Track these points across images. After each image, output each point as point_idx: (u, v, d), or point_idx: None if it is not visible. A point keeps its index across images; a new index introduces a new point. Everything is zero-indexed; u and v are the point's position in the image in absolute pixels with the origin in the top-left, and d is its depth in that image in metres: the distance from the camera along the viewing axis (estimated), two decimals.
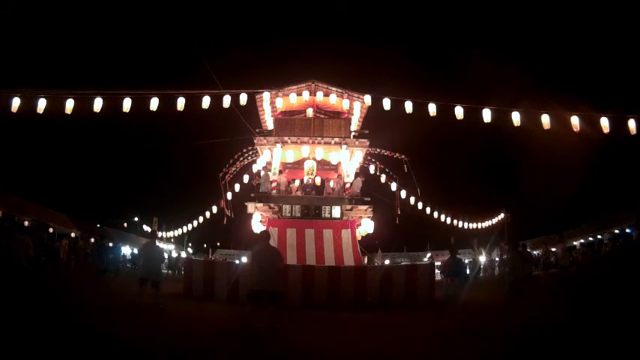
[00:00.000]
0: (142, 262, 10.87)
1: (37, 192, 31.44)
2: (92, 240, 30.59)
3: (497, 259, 29.36)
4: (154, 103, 12.81)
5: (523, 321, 8.49)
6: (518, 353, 6.53)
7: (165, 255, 27.40)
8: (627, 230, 23.99)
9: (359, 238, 17.54)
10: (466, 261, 34.34)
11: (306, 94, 17.12)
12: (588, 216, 31.61)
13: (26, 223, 25.03)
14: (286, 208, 16.89)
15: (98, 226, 38.04)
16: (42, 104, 11.80)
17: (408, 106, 13.59)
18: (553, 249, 28.08)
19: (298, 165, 18.58)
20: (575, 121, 12.21)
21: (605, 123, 12.06)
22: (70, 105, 12.07)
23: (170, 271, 29.80)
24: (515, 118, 12.85)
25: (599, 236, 28.84)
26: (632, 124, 11.76)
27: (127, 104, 12.55)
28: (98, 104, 12.14)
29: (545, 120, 12.56)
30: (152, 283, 10.15)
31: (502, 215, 32.08)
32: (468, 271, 17.93)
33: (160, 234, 40.55)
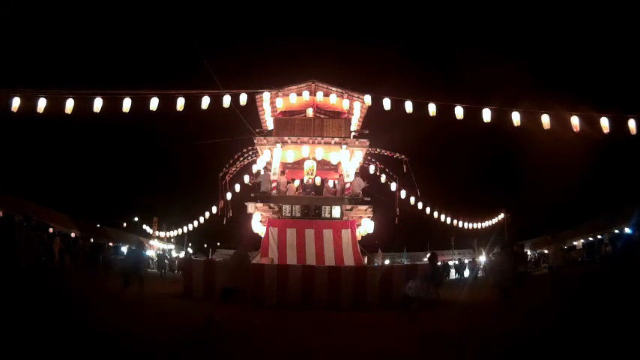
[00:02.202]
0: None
1: (38, 192, 31.47)
2: (92, 240, 30.68)
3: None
4: (154, 103, 12.83)
5: (512, 321, 8.50)
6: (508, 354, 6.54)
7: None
8: (627, 230, 24.01)
9: (359, 238, 17.54)
10: (466, 261, 34.52)
11: (306, 94, 17.12)
12: (589, 216, 31.64)
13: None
14: (286, 208, 16.89)
15: (98, 226, 38.09)
16: (42, 104, 11.83)
17: (408, 106, 13.61)
18: (545, 250, 28.22)
19: (298, 165, 18.58)
20: (575, 121, 12.24)
21: (605, 123, 12.09)
22: (70, 105, 12.10)
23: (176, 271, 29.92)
24: (515, 118, 12.88)
25: (599, 236, 28.88)
26: (632, 124, 11.79)
27: (126, 104, 12.57)
28: (98, 104, 12.16)
29: (545, 120, 12.59)
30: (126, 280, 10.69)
31: (502, 215, 32.15)
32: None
33: (159, 234, 40.73)
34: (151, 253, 35.54)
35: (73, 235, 31.04)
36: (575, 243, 31.90)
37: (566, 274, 13.24)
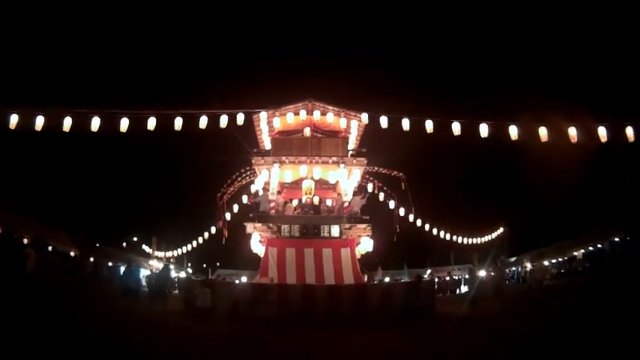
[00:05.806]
0: None
1: (36, 210, 31.27)
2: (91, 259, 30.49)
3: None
4: (152, 123, 12.88)
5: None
6: None
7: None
8: (616, 239, 24.16)
9: (358, 256, 17.44)
10: (466, 276, 34.30)
11: (303, 113, 17.12)
12: (588, 226, 31.56)
13: (25, 241, 24.82)
14: (285, 227, 16.81)
15: (97, 245, 37.86)
16: (40, 122, 11.96)
17: (405, 124, 13.66)
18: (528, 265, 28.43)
19: (296, 185, 18.53)
20: (572, 132, 12.30)
21: (602, 132, 12.13)
22: (67, 123, 12.19)
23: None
24: (513, 131, 12.90)
25: (599, 245, 28.82)
26: (629, 131, 11.83)
27: (124, 124, 12.62)
28: (96, 123, 12.27)
29: (543, 132, 12.62)
30: None
31: (501, 229, 32.06)
32: None
33: (158, 254, 40.50)
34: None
35: (72, 254, 30.77)
36: (575, 253, 31.87)
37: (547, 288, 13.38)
